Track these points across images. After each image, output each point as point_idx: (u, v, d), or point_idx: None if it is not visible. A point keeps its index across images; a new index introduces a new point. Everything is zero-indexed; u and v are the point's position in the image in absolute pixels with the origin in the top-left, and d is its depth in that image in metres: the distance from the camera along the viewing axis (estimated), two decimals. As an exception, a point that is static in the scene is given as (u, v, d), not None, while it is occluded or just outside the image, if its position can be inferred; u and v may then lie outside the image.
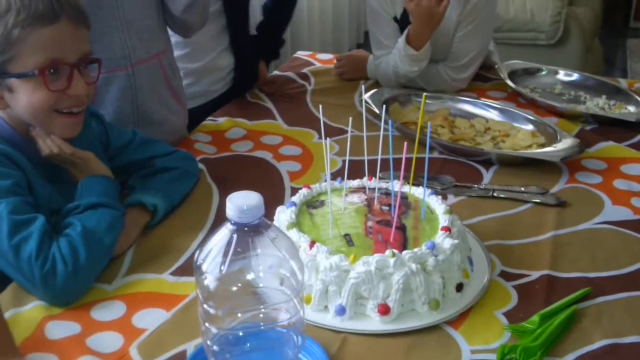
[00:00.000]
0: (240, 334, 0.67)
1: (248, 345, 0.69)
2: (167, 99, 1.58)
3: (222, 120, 1.71)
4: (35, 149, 1.16)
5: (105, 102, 1.45)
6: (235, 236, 0.65)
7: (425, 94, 1.25)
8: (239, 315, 0.67)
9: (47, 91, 1.10)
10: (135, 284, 1.12)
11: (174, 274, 1.15)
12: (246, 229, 0.65)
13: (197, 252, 0.67)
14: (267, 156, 1.54)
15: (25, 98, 1.10)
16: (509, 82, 1.85)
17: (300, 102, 1.83)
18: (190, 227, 1.28)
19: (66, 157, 1.17)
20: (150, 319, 1.04)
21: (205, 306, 0.66)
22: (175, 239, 1.24)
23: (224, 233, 0.65)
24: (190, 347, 0.99)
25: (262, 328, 0.68)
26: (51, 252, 1.04)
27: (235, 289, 0.66)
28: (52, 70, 1.10)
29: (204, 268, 0.65)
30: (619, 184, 1.43)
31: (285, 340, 0.70)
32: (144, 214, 1.24)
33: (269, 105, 1.81)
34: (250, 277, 0.66)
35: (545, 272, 1.15)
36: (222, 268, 0.64)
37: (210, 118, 1.72)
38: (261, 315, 0.69)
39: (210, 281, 0.65)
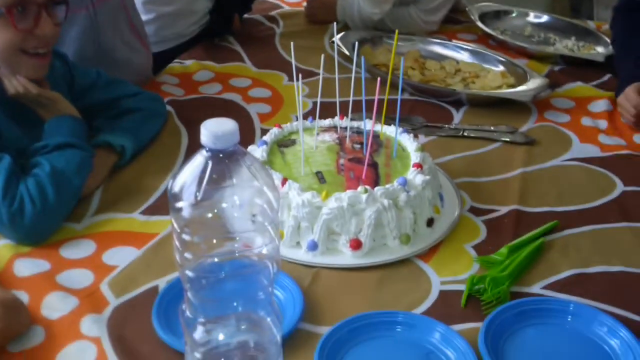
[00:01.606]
0: (216, 259, 0.67)
1: (223, 273, 0.69)
2: (129, 39, 1.54)
3: (189, 62, 1.67)
4: (1, 88, 1.12)
5: (65, 41, 1.41)
6: (210, 162, 0.64)
7: (397, 31, 1.24)
8: (214, 241, 0.66)
9: (13, 30, 1.07)
10: (104, 223, 1.11)
11: (143, 212, 1.14)
12: (221, 155, 0.64)
13: (171, 180, 0.66)
14: (236, 98, 1.53)
15: None
16: (480, 24, 1.85)
17: (268, 44, 1.81)
18: (158, 168, 1.26)
19: (33, 97, 1.14)
20: (120, 257, 1.04)
21: (182, 234, 0.65)
22: (144, 180, 1.23)
23: (199, 160, 0.64)
24: (161, 283, 0.99)
25: (237, 255, 0.68)
26: (18, 191, 1.02)
27: (210, 215, 0.65)
28: (19, 9, 1.07)
29: (179, 195, 0.64)
30: (586, 121, 1.45)
31: (260, 269, 0.70)
32: (111, 154, 1.22)
33: (237, 47, 1.78)
34: (225, 204, 0.66)
35: (514, 206, 1.17)
36: (198, 194, 0.64)
37: (176, 60, 1.69)
38: (236, 245, 0.69)
39: (185, 208, 0.64)
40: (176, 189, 0.66)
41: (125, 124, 1.27)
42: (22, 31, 1.08)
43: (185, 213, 0.65)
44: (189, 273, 0.68)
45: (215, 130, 0.64)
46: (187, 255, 0.67)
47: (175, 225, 0.67)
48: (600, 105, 1.51)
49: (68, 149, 1.11)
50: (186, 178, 0.66)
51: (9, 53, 1.09)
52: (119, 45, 1.51)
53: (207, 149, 0.65)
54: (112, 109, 1.30)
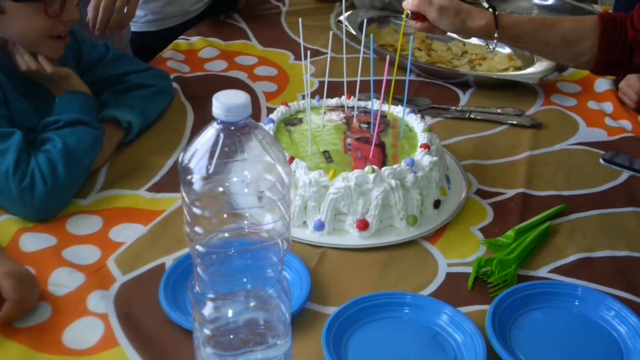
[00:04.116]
0: (226, 235, 0.67)
1: (232, 249, 0.69)
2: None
3: (194, 39, 1.66)
4: (11, 62, 1.12)
5: None
6: (221, 135, 0.63)
7: (406, 10, 1.23)
8: (225, 216, 0.66)
9: (45, 17, 1.09)
10: (110, 199, 1.11)
11: (149, 190, 1.14)
12: (232, 128, 0.63)
13: (182, 153, 0.66)
14: (242, 76, 1.52)
15: (20, 22, 1.08)
16: (485, 5, 1.82)
17: (274, 22, 1.79)
18: (164, 144, 1.26)
19: (45, 74, 1.14)
20: (127, 233, 1.04)
21: (192, 207, 0.64)
22: (150, 157, 1.22)
23: (210, 133, 0.63)
24: (168, 260, 0.99)
25: (247, 231, 0.68)
26: (29, 167, 1.02)
27: (221, 189, 0.64)
28: None
29: (190, 168, 0.64)
30: (592, 104, 1.45)
31: (270, 246, 0.70)
32: (117, 130, 1.21)
33: (243, 25, 1.76)
34: (236, 179, 0.65)
35: (520, 190, 1.17)
36: (209, 168, 0.63)
37: (182, 37, 1.67)
38: (245, 221, 0.69)
39: (196, 182, 0.64)
40: (187, 161, 0.65)
41: (132, 100, 1.26)
42: (52, 18, 1.09)
43: (197, 186, 0.64)
44: (200, 248, 0.67)
45: (228, 102, 0.63)
46: (198, 229, 0.67)
47: (186, 199, 0.66)
48: (603, 84, 1.50)
49: (80, 126, 1.10)
50: (197, 151, 0.65)
51: (37, 38, 1.11)
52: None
53: (219, 121, 0.64)
54: (120, 84, 1.29)
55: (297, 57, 1.58)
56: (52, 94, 1.16)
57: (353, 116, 1.19)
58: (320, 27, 1.74)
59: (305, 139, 1.12)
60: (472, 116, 1.39)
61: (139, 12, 1.67)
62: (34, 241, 1.00)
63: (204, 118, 1.32)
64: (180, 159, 0.66)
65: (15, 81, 1.12)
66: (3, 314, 0.85)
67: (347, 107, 1.22)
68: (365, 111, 1.21)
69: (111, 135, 1.19)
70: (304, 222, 1.05)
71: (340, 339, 0.86)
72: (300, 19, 1.15)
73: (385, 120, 1.19)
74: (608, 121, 1.38)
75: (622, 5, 1.60)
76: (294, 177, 1.04)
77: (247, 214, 0.67)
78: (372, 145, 1.10)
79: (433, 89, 1.50)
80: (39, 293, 0.90)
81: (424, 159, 1.08)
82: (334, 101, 1.23)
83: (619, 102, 1.44)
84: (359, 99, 1.22)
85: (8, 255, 0.92)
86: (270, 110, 1.26)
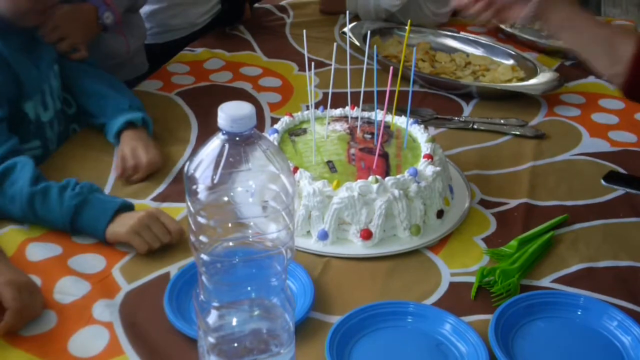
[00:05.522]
0: (231, 244, 0.67)
1: (237, 258, 0.69)
2: None
3: (199, 50, 1.68)
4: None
5: None
6: (226, 146, 0.64)
7: (410, 21, 1.24)
8: (229, 225, 0.67)
9: None
10: (115, 209, 1.11)
11: (154, 199, 1.14)
12: (237, 138, 0.64)
13: (187, 162, 0.67)
14: (247, 87, 1.53)
15: None
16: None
17: (279, 34, 1.81)
18: (169, 155, 1.26)
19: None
20: (132, 242, 1.04)
21: (197, 217, 0.65)
22: (155, 166, 1.23)
23: (215, 143, 0.65)
24: (173, 270, 0.99)
25: (251, 240, 0.68)
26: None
27: (226, 199, 0.65)
28: None
29: (195, 178, 0.65)
30: (597, 117, 1.45)
31: (274, 255, 0.71)
32: (140, 129, 1.24)
33: (248, 37, 1.78)
34: (241, 189, 0.66)
35: (524, 200, 1.17)
36: (214, 178, 0.64)
37: (187, 48, 1.69)
38: (250, 230, 0.69)
39: (201, 191, 0.65)
40: (193, 171, 0.66)
41: (112, 102, 1.27)
42: None
43: (202, 196, 0.65)
44: (204, 257, 0.68)
45: (233, 113, 0.64)
46: (203, 238, 0.67)
47: (191, 208, 0.67)
48: (612, 102, 1.51)
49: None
50: (203, 161, 0.66)
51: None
52: None
53: (224, 132, 0.65)
54: (86, 97, 1.31)
55: (302, 68, 1.59)
56: (48, 44, 1.19)
57: (357, 127, 1.20)
58: (325, 38, 1.75)
59: (309, 149, 1.13)
60: (475, 127, 1.39)
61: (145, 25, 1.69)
62: (40, 251, 1.01)
63: (208, 128, 1.33)
64: (185, 168, 0.67)
65: (10, 37, 1.15)
66: (4, 323, 0.85)
67: (351, 117, 1.23)
68: (369, 122, 1.22)
69: (142, 133, 1.23)
70: (308, 232, 1.06)
71: (343, 348, 0.86)
72: (304, 31, 1.16)
73: (388, 131, 1.20)
74: (611, 133, 1.39)
75: None
76: (298, 186, 1.05)
77: (252, 224, 0.68)
78: (376, 155, 1.11)
79: (437, 100, 1.51)
80: (42, 301, 0.90)
81: (427, 169, 1.09)
82: (337, 112, 1.24)
83: (625, 117, 1.44)
84: (362, 110, 1.23)
85: (10, 264, 0.93)
86: (275, 121, 1.27)
